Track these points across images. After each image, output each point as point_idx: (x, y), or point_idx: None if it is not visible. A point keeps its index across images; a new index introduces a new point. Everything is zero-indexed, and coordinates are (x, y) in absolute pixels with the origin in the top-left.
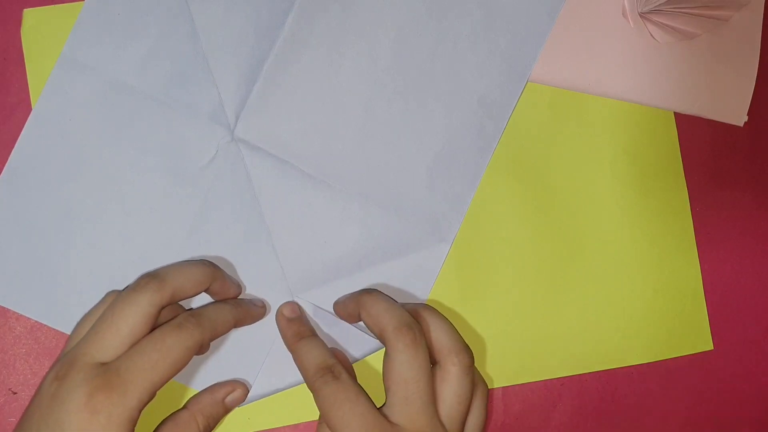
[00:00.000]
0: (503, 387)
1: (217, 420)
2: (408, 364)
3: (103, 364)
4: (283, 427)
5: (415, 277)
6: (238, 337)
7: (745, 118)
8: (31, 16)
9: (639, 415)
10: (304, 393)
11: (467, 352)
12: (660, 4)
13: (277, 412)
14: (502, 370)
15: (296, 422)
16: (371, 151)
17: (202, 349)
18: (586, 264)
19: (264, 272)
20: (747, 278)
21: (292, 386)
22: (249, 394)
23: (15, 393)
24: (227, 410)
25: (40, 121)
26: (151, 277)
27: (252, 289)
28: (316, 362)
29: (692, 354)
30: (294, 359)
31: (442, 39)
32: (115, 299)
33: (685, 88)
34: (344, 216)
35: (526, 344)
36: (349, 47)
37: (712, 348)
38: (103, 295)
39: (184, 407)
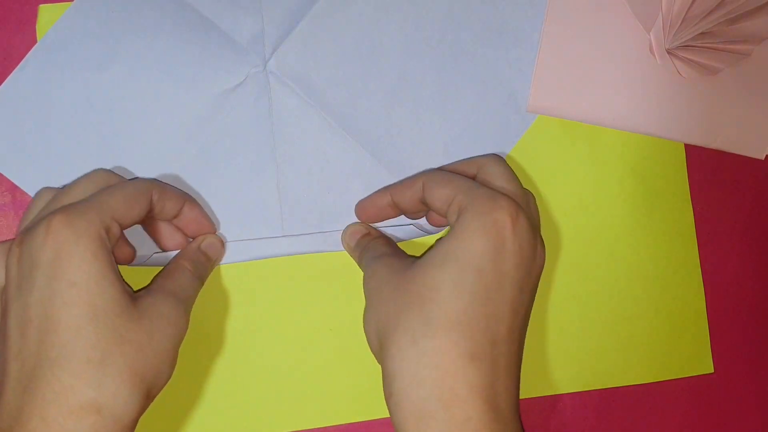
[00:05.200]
0: None
1: (205, 268)
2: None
3: None
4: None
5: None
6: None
7: (766, 151)
8: (46, 11)
9: (638, 426)
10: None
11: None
12: (688, 40)
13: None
14: None
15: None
16: (395, 116)
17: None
18: (589, 282)
19: (261, 206)
20: (750, 300)
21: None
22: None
23: None
24: (208, 258)
25: (85, 5)
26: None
27: (246, 221)
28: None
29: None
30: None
31: (489, 26)
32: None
33: (707, 123)
34: (353, 171)
35: (526, 360)
36: (397, 9)
37: (713, 371)
38: None
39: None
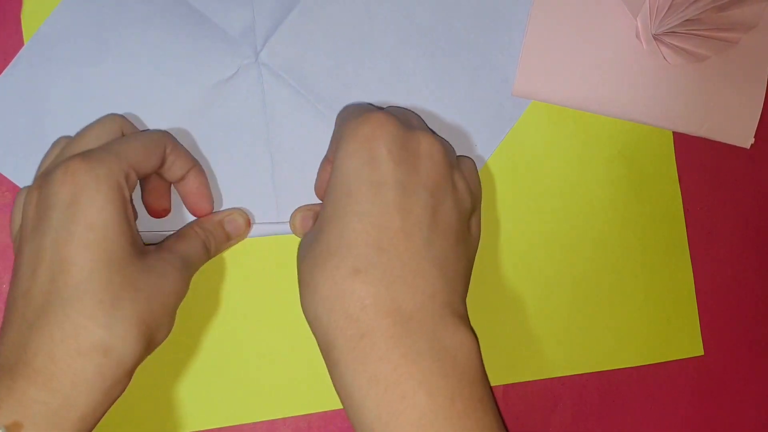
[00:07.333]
0: (503, 385)
1: (219, 241)
2: None
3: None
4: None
5: None
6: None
7: (752, 140)
8: (31, 0)
9: (638, 418)
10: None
11: None
12: (674, 26)
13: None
14: (495, 369)
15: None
16: (388, 105)
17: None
18: (578, 266)
19: (256, 198)
20: (739, 281)
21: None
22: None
23: None
24: (228, 236)
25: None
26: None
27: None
28: None
29: (685, 359)
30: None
31: (481, 12)
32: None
33: (693, 111)
34: None
35: (520, 344)
36: None
37: (703, 353)
38: None
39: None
